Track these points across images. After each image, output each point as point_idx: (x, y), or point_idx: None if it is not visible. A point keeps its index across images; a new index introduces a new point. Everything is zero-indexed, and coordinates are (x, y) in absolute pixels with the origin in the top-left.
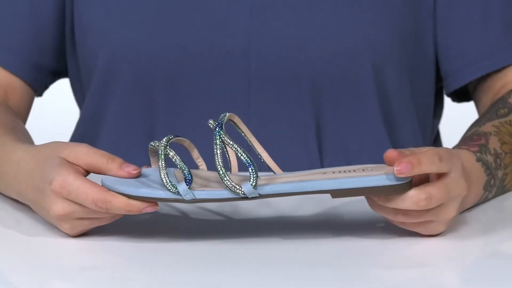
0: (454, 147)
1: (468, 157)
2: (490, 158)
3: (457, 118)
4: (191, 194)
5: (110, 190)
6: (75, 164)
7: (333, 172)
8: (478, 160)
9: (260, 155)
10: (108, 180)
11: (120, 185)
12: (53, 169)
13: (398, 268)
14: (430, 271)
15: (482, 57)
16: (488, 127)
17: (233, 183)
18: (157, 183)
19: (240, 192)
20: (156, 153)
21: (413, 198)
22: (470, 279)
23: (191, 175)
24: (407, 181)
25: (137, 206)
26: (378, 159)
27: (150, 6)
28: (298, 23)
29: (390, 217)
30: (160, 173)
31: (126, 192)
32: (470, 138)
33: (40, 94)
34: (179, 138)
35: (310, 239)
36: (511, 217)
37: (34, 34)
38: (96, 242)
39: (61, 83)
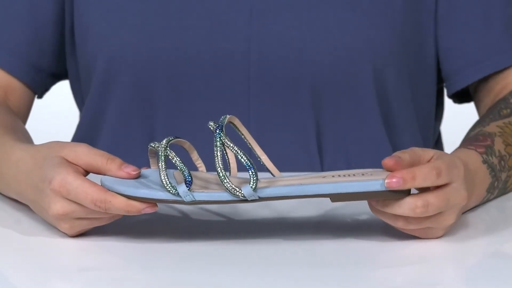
0: (460, 146)
1: (474, 158)
2: (495, 160)
3: (458, 120)
4: (190, 195)
5: (109, 190)
6: (75, 164)
7: (333, 176)
8: (484, 162)
9: (259, 157)
10: (108, 180)
11: (120, 186)
12: (53, 168)
13: (398, 268)
14: (431, 272)
15: (483, 58)
16: (492, 127)
17: (233, 186)
18: (156, 184)
19: (239, 194)
20: (155, 154)
21: (410, 204)
22: (471, 279)
23: (191, 177)
24: None
25: (136, 207)
26: (378, 162)
27: (149, 8)
28: (298, 25)
29: (390, 222)
30: (160, 174)
31: (126, 193)
32: (476, 138)
33: (40, 96)
34: (179, 139)
35: (310, 239)
36: None
37: (33, 35)
38: (95, 242)
39: (62, 84)
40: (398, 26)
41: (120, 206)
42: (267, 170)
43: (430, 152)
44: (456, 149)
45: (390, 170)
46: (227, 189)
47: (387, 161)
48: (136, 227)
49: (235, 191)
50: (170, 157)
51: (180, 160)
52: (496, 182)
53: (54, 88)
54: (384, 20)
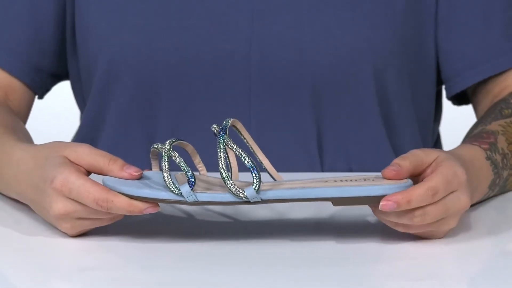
0: (465, 142)
1: (478, 154)
2: (498, 157)
3: (457, 121)
4: (193, 196)
5: (112, 190)
6: (77, 164)
7: (335, 181)
8: (488, 158)
9: (261, 162)
10: (110, 180)
11: (122, 186)
12: (55, 168)
13: (398, 268)
14: (431, 271)
15: (483, 60)
16: (495, 126)
17: (236, 187)
18: (159, 184)
19: (242, 196)
20: (158, 156)
21: (408, 213)
22: (473, 279)
23: (194, 177)
24: None
25: (138, 207)
26: (378, 162)
27: (150, 9)
28: (299, 27)
29: (391, 225)
30: (163, 174)
31: (128, 193)
32: (480, 135)
33: (41, 96)
34: (182, 142)
35: (310, 240)
36: None
37: (33, 35)
38: (96, 242)
39: (62, 85)
40: (398, 26)
41: (122, 205)
42: (269, 175)
43: (432, 155)
44: (460, 145)
45: (391, 180)
46: (230, 190)
47: (387, 173)
48: (137, 227)
49: (238, 192)
50: (173, 158)
51: (184, 161)
52: (498, 179)
53: (55, 88)
54: (384, 21)
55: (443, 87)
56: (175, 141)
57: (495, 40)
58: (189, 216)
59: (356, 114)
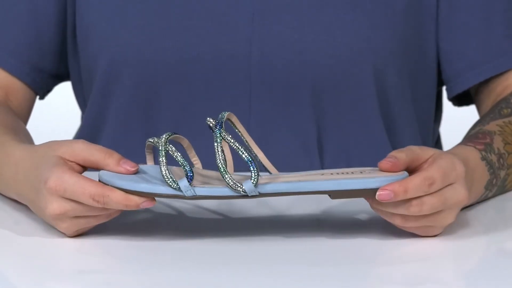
0: (460, 144)
1: (473, 155)
2: (494, 158)
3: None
4: (191, 190)
5: (108, 184)
6: (73, 161)
7: (331, 174)
8: (483, 158)
9: (256, 155)
10: (106, 174)
11: (119, 180)
12: (49, 168)
13: (397, 266)
14: (430, 269)
15: (484, 60)
16: (492, 126)
17: (234, 181)
18: (156, 179)
19: (240, 189)
20: (152, 150)
21: (405, 203)
22: (470, 277)
23: (192, 172)
24: None
25: (135, 201)
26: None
27: (150, 9)
28: (299, 27)
29: (388, 219)
30: (161, 168)
31: (126, 187)
32: (476, 136)
33: (42, 97)
34: (178, 136)
35: (309, 237)
36: None
37: (34, 36)
38: (95, 242)
39: (63, 85)
40: (398, 26)
41: (118, 200)
42: (264, 167)
43: (429, 151)
44: (455, 146)
45: (387, 171)
46: (228, 184)
47: (383, 164)
48: (135, 226)
49: (236, 186)
50: (170, 152)
51: (181, 155)
52: (494, 180)
53: (56, 88)
54: (385, 21)
55: (444, 88)
56: (171, 135)
57: (496, 40)
58: (188, 215)
59: (356, 114)
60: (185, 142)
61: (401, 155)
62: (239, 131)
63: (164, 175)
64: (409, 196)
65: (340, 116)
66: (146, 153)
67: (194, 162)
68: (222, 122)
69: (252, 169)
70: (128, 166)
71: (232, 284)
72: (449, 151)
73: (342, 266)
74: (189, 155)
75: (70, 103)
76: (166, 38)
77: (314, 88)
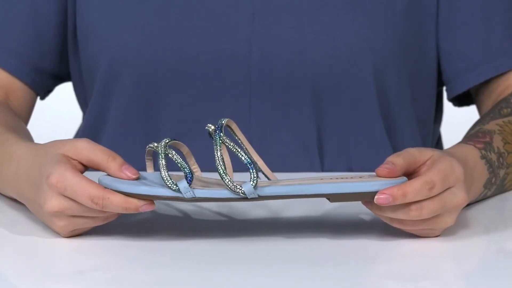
0: (460, 142)
1: (473, 153)
2: (493, 156)
3: (458, 122)
4: (191, 192)
5: (108, 188)
6: (75, 159)
7: (331, 178)
8: (483, 157)
9: (256, 162)
10: (106, 179)
11: (119, 183)
12: (52, 164)
13: (398, 267)
14: (430, 270)
15: (484, 61)
16: (492, 125)
17: (234, 183)
18: (156, 183)
19: (240, 191)
20: (152, 156)
21: (404, 207)
22: (470, 277)
23: (192, 173)
24: None
25: (134, 204)
26: (379, 163)
27: (151, 10)
28: (299, 27)
29: (387, 221)
30: (160, 171)
31: (126, 190)
32: (475, 135)
33: (42, 97)
34: (177, 142)
35: (309, 237)
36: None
37: (35, 36)
38: (94, 243)
39: (64, 85)
40: (398, 27)
41: (118, 203)
42: (264, 175)
43: (427, 153)
44: (454, 145)
45: (385, 177)
46: (228, 186)
47: (381, 171)
48: (135, 226)
49: (236, 188)
50: (170, 155)
51: (180, 158)
52: (494, 178)
53: (56, 89)
54: (385, 21)
55: (444, 88)
56: (170, 140)
57: (496, 41)
58: (188, 216)
59: (356, 114)
60: (185, 149)
61: (398, 160)
62: (239, 138)
63: (164, 176)
64: (408, 200)
65: (340, 116)
66: (146, 160)
67: (194, 170)
68: (221, 126)
69: (251, 171)
70: (130, 173)
71: (232, 284)
72: (448, 151)
73: (342, 266)
74: (189, 162)
75: (71, 103)
76: (166, 38)
77: (314, 88)
